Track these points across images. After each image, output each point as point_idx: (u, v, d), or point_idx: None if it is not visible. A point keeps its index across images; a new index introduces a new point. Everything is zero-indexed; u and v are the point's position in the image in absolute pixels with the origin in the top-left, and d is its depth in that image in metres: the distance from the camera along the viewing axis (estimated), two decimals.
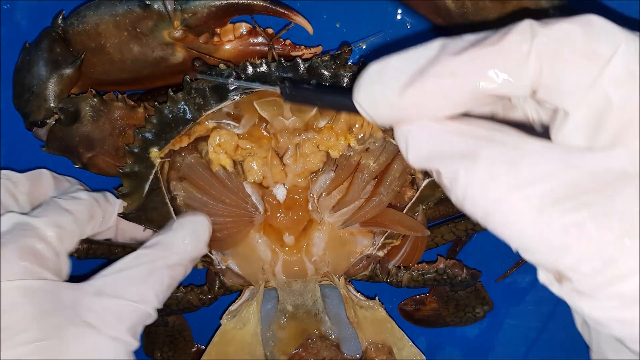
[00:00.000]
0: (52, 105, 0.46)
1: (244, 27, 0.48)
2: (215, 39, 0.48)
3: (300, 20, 0.46)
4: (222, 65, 0.46)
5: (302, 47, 0.49)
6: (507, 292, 0.61)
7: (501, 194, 0.25)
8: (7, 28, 0.53)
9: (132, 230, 0.51)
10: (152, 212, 0.49)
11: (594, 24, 0.26)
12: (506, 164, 0.25)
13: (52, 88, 0.46)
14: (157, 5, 0.44)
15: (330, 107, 0.35)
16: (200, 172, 0.48)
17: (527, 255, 0.26)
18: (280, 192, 0.49)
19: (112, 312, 0.40)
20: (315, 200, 0.50)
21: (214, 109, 0.45)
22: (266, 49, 0.48)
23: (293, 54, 0.48)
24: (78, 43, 0.46)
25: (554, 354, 0.60)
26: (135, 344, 0.41)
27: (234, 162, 0.48)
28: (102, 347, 0.39)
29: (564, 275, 0.26)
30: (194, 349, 0.61)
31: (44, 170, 0.49)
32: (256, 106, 0.46)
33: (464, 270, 0.55)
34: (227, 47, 0.48)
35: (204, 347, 0.58)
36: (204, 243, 0.46)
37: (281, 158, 0.49)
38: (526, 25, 0.26)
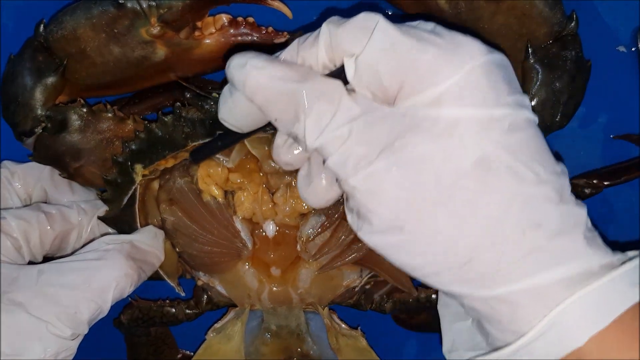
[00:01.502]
0: (39, 113, 0.46)
1: (224, 19, 0.47)
2: (197, 33, 0.47)
3: (277, 5, 0.45)
4: (215, 95, 0.45)
5: (285, 33, 0.47)
6: None
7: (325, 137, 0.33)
8: None
9: None
10: (124, 225, 0.49)
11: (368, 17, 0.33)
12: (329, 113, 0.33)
13: (37, 97, 0.46)
14: (130, 4, 0.43)
15: (227, 145, 0.42)
16: (191, 200, 0.48)
17: (333, 167, 0.34)
18: (269, 229, 0.49)
19: (45, 295, 0.41)
20: (304, 243, 0.49)
21: (201, 142, 0.45)
22: (248, 38, 0.47)
23: (276, 41, 0.47)
24: (59, 50, 0.46)
25: None
26: (66, 332, 0.41)
27: (225, 192, 0.48)
28: (22, 326, 0.40)
29: (349, 193, 0.34)
30: (179, 356, 0.61)
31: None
32: (247, 143, 0.46)
33: None
34: (209, 40, 0.47)
35: (189, 352, 0.58)
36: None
37: (272, 194, 0.48)
38: (324, 26, 0.34)
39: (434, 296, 0.54)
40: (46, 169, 0.50)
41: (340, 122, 0.32)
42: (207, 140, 0.45)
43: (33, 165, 0.50)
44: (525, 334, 0.32)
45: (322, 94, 0.33)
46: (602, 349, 0.32)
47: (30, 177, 0.50)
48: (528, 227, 0.32)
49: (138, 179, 0.47)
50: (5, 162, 0.50)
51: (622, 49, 0.51)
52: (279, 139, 0.37)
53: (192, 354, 0.58)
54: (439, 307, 0.42)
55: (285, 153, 0.37)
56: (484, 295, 0.33)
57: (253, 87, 0.33)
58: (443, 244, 0.32)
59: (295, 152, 0.37)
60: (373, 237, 0.34)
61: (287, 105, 0.33)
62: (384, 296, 0.55)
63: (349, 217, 0.36)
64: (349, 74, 0.33)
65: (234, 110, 0.36)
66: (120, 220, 0.49)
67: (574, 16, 0.44)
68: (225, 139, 0.41)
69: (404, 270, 0.35)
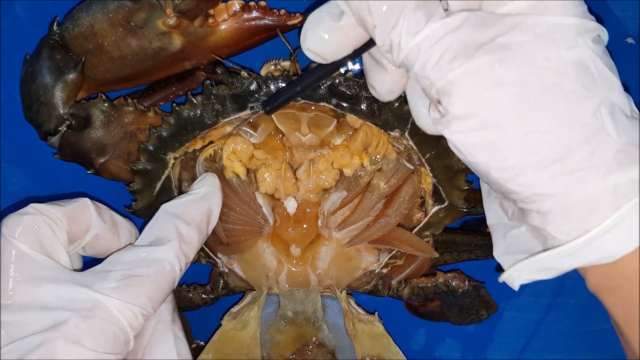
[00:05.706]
0: (62, 112, 0.47)
1: (236, 4, 0.47)
2: (210, 20, 0.47)
3: None
4: (244, 73, 0.46)
5: (298, 14, 0.48)
6: (506, 284, 0.60)
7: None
8: (7, 21, 0.53)
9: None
10: None
11: None
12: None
13: (59, 95, 0.47)
14: None
15: (306, 89, 0.42)
16: None
17: (423, 82, 0.35)
18: (291, 205, 0.50)
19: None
20: (325, 218, 0.50)
21: (232, 117, 0.46)
22: (261, 22, 0.48)
23: (290, 22, 0.48)
24: (76, 46, 0.46)
25: (553, 345, 0.60)
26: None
27: (248, 170, 0.49)
28: None
29: (440, 99, 0.34)
30: (193, 345, 0.60)
31: (86, 201, 0.42)
32: (274, 118, 0.47)
33: (466, 283, 0.55)
34: (223, 27, 0.48)
35: (203, 343, 0.57)
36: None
37: (295, 171, 0.49)
38: None
39: (452, 282, 0.55)
40: (91, 209, 0.42)
41: (436, 22, 0.33)
42: (274, 93, 0.45)
43: (75, 208, 0.41)
44: (592, 230, 0.33)
45: (421, 5, 0.34)
46: None
47: (77, 224, 0.42)
48: (616, 130, 0.33)
49: (171, 162, 0.47)
50: (45, 209, 0.40)
51: (630, 40, 0.52)
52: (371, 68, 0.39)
53: (204, 344, 0.57)
54: (488, 218, 0.42)
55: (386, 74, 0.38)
56: (565, 193, 0.33)
57: None
58: (538, 142, 0.33)
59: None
60: (463, 136, 0.34)
61: (390, 10, 0.34)
62: (401, 282, 0.55)
63: (434, 119, 0.36)
64: None
65: (322, 36, 0.37)
66: (157, 207, 0.48)
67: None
68: (303, 82, 0.41)
69: (484, 173, 0.35)
